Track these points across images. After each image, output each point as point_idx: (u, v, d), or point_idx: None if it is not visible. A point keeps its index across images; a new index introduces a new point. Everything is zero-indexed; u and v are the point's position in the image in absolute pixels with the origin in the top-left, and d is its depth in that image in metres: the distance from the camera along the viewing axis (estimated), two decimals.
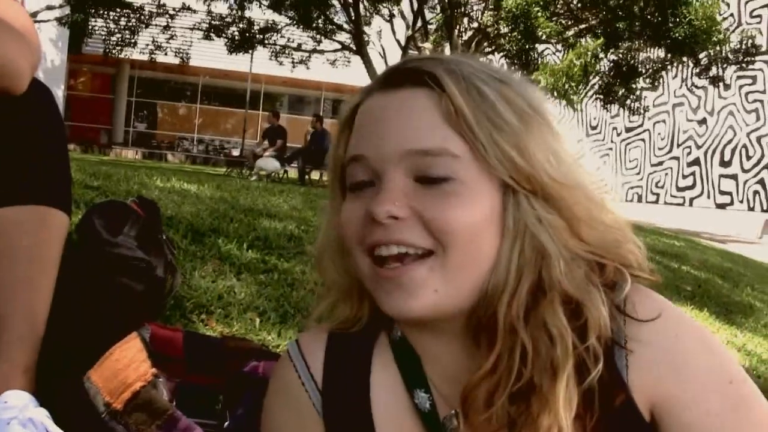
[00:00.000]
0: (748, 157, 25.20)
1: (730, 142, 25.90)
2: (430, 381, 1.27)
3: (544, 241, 1.15)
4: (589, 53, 15.11)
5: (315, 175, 19.83)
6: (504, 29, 16.17)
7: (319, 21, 20.49)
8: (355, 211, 1.19)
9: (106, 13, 22.66)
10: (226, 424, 1.91)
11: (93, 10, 22.08)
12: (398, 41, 21.58)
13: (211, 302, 3.13)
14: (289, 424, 1.33)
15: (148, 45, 23.06)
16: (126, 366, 1.83)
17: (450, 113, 1.15)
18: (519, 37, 15.23)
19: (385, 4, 21.23)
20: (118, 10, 22.53)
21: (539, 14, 14.84)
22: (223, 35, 21.85)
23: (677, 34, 15.36)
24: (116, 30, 22.92)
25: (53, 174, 2.12)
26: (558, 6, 16.66)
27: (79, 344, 2.01)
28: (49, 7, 22.58)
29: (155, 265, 2.44)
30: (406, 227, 1.14)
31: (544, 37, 15.72)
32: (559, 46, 17.53)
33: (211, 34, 21.95)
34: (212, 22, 21.90)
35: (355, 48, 20.81)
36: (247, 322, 3.07)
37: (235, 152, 31.35)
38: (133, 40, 22.94)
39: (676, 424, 1.14)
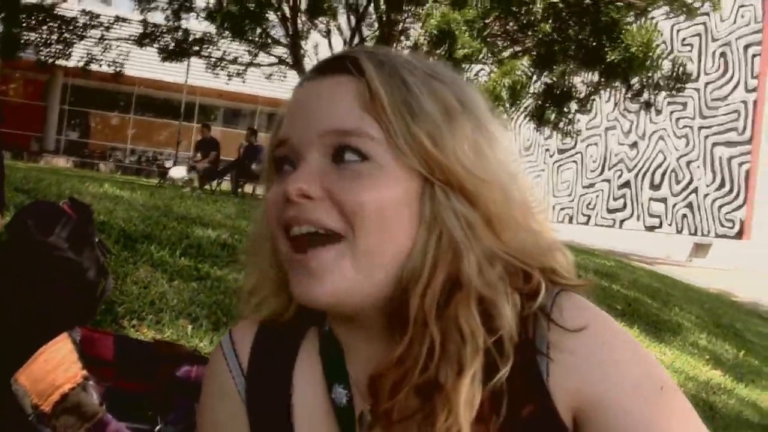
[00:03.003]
0: (678, 181, 25.68)
1: (660, 165, 26.37)
2: (350, 376, 1.26)
3: (456, 236, 1.14)
4: (518, 73, 15.19)
5: (248, 188, 19.80)
6: (426, 48, 16.17)
7: (255, 34, 20.40)
8: (276, 193, 1.19)
9: (38, 26, 22.25)
10: (158, 428, 1.88)
11: (25, 23, 21.66)
12: None
13: (143, 308, 3.10)
14: (218, 409, 1.32)
15: (82, 57, 22.75)
16: (55, 367, 1.79)
17: (366, 97, 1.15)
18: (443, 55, 15.23)
19: (322, 19, 21.24)
20: (50, 21, 22.12)
21: (465, 33, 14.83)
22: (158, 44, 21.65)
23: (612, 59, 15.54)
24: (50, 41, 22.53)
25: None
26: (495, 27, 16.77)
27: (7, 345, 1.97)
28: None
29: (87, 267, 2.40)
30: (318, 207, 1.13)
31: (464, 56, 15.70)
32: (494, 67, 17.59)
33: (146, 42, 21.74)
34: (147, 30, 21.68)
35: (291, 62, 20.78)
36: (179, 329, 3.04)
37: (168, 164, 31.07)
38: (67, 52, 22.57)
39: (601, 430, 1.12)
